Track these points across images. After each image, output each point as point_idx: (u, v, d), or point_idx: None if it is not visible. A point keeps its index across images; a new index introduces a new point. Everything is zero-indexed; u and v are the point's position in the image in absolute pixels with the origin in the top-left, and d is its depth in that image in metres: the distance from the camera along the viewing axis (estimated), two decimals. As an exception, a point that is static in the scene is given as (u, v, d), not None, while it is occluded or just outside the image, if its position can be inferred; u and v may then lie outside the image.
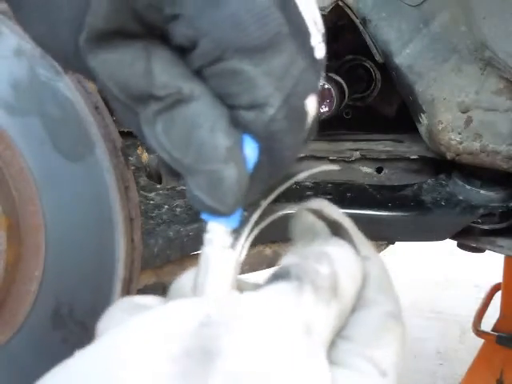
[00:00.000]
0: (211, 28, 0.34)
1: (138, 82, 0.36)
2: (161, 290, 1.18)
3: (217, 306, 0.34)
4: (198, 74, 0.36)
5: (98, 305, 0.80)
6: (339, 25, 1.29)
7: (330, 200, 0.42)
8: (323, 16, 1.12)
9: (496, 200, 1.15)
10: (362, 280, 0.39)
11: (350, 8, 1.08)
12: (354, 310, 0.38)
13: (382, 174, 1.22)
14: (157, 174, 1.29)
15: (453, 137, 1.08)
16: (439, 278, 3.26)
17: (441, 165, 1.19)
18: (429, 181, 1.20)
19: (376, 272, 0.40)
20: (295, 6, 0.36)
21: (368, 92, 1.32)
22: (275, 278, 0.37)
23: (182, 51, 0.36)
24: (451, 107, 1.07)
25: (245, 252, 0.38)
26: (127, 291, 0.80)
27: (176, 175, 0.38)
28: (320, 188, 1.21)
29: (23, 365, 0.85)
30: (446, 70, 1.06)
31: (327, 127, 1.22)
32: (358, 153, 1.21)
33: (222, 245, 0.37)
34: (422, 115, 1.10)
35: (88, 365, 0.31)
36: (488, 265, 2.24)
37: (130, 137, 1.33)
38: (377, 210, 1.18)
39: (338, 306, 0.36)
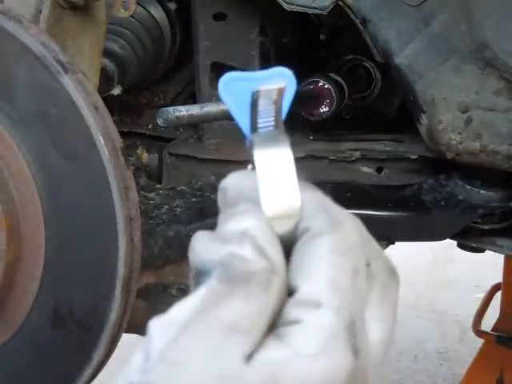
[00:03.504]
0: None
1: None
2: (161, 289, 1.18)
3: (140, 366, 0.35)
4: None
5: (98, 305, 0.80)
6: (339, 25, 1.29)
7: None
8: (323, 16, 1.12)
9: (496, 200, 1.15)
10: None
11: (350, 8, 1.08)
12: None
13: (381, 173, 1.21)
14: (157, 174, 1.29)
15: (453, 137, 1.08)
16: (439, 278, 3.25)
17: (441, 165, 1.19)
18: (429, 181, 1.19)
19: (309, 201, 0.40)
20: None
21: (368, 92, 1.32)
22: (200, 275, 0.36)
23: None
24: (451, 107, 1.07)
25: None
26: (127, 291, 0.80)
27: None
28: (319, 188, 1.20)
29: (23, 364, 0.85)
30: (446, 69, 1.06)
31: (327, 127, 1.22)
32: (358, 153, 1.20)
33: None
34: (422, 115, 1.09)
35: None
36: (488, 265, 2.23)
37: (130, 137, 1.33)
38: (377, 210, 1.18)
39: (278, 280, 0.36)
